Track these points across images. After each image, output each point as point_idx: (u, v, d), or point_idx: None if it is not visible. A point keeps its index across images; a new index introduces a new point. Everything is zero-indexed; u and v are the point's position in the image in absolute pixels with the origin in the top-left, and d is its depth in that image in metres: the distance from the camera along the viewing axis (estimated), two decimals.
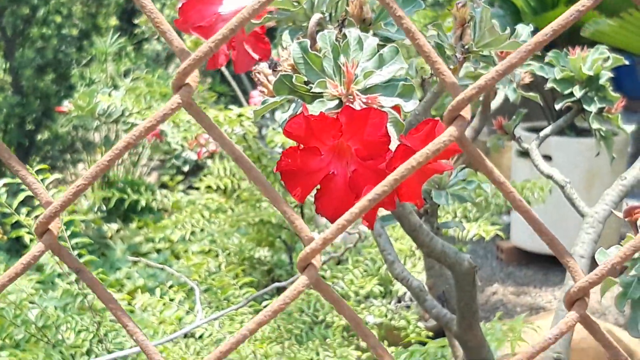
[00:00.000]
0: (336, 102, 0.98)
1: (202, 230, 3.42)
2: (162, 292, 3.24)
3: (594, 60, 1.69)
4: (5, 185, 2.57)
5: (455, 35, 1.28)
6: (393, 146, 0.94)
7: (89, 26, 6.02)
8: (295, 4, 1.11)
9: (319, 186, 0.97)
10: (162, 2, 5.48)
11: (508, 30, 1.28)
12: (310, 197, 0.97)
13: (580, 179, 4.45)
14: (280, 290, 3.20)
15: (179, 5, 1.13)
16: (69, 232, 2.59)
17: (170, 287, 3.37)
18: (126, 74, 6.22)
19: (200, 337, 2.91)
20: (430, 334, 3.19)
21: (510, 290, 4.68)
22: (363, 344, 3.14)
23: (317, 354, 2.85)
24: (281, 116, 1.11)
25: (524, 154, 1.88)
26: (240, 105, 5.55)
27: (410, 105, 0.97)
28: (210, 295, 3.05)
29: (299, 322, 2.92)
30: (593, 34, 4.17)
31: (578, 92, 1.67)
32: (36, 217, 2.58)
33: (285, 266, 3.54)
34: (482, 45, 1.27)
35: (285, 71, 1.04)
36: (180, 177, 5.82)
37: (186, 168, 3.42)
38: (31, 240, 2.81)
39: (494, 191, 3.34)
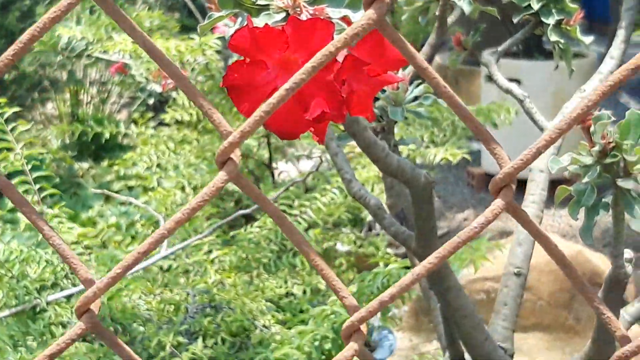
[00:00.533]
0: (283, 14, 0.95)
1: (167, 162, 3.39)
2: (133, 229, 3.23)
3: None
4: None
5: None
6: (340, 57, 0.92)
7: None
8: None
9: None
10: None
11: None
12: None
13: (549, 102, 4.43)
14: (246, 218, 3.19)
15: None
16: (29, 166, 2.56)
17: (141, 224, 3.36)
18: (92, 12, 6.13)
19: (169, 269, 2.90)
20: (399, 259, 3.19)
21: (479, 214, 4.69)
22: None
23: (286, 282, 2.84)
24: (227, 31, 1.08)
25: (492, 78, 1.86)
26: None
27: (358, 16, 0.94)
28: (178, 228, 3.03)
29: (266, 251, 2.91)
30: None
31: (536, 4, 1.64)
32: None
33: None
34: None
35: None
36: (150, 114, 5.77)
37: (151, 101, 3.36)
38: None
39: None
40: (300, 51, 0.90)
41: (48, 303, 2.41)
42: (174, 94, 3.60)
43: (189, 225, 3.02)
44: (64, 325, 2.35)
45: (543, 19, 1.67)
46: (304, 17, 0.95)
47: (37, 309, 2.44)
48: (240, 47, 0.89)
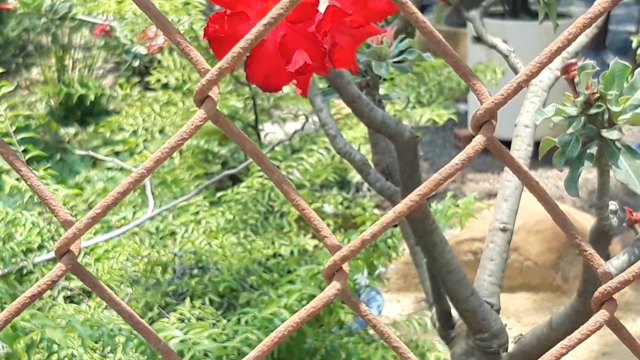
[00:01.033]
0: None
1: (154, 125, 3.38)
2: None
3: None
4: None
5: None
6: (322, 8, 0.91)
7: None
8: None
9: (248, 53, 0.93)
10: None
11: None
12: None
13: None
14: (233, 180, 3.18)
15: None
16: (13, 128, 2.55)
17: None
18: None
19: (156, 231, 2.89)
20: None
21: (469, 178, 4.70)
22: None
23: (273, 243, 2.85)
24: None
25: (479, 39, 1.84)
26: None
27: None
28: (164, 189, 3.03)
29: (253, 212, 2.91)
30: None
31: None
32: None
33: (240, 159, 3.51)
34: None
35: None
36: (136, 79, 5.75)
37: (137, 63, 3.34)
38: None
39: (446, 75, 3.31)
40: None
41: (35, 265, 2.41)
42: (159, 56, 3.58)
43: (175, 186, 3.02)
44: (50, 287, 2.34)
45: None
46: None
47: (24, 271, 2.43)
48: None
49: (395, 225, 2.22)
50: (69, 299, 2.47)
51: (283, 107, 3.66)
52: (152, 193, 2.74)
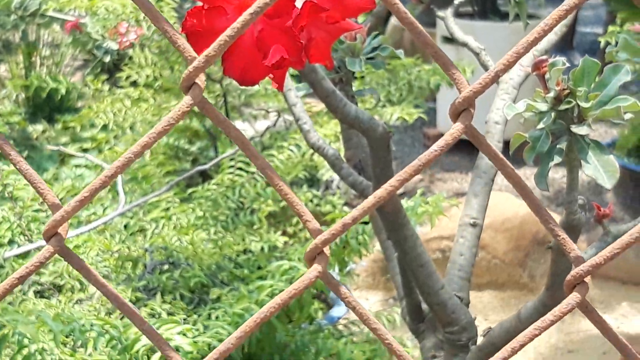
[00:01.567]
0: None
1: (124, 120, 3.38)
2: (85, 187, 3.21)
3: None
4: None
5: None
6: (299, 3, 0.92)
7: None
8: None
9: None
10: None
11: None
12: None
13: None
14: (203, 177, 3.19)
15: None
16: None
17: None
18: None
19: (126, 227, 2.90)
20: None
21: (437, 177, 4.73)
22: (290, 230, 3.16)
23: (244, 239, 2.86)
24: None
25: (449, 39, 1.87)
26: None
27: None
28: (135, 185, 3.03)
29: (224, 208, 2.92)
30: None
31: None
32: None
33: (210, 157, 3.52)
34: None
35: None
36: (105, 76, 5.73)
37: (107, 58, 3.34)
38: None
39: (417, 74, 3.34)
40: None
41: (5, 260, 2.41)
42: (130, 52, 3.58)
43: (146, 183, 3.02)
44: (38, 269, 2.34)
45: None
46: None
47: None
48: None
49: (367, 222, 2.24)
50: (39, 294, 2.47)
51: (254, 105, 3.67)
52: (123, 189, 2.75)
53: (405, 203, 2.42)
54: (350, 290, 3.24)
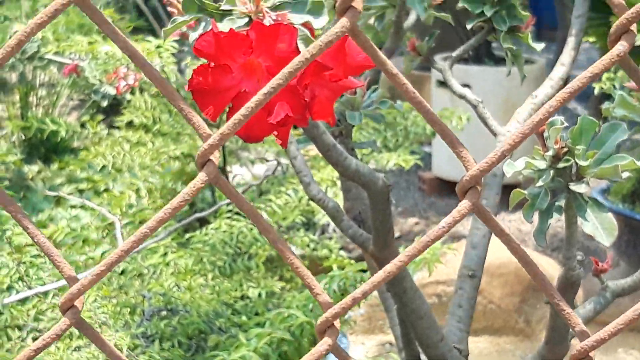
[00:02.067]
0: (246, 19, 0.97)
1: (122, 163, 3.39)
2: (85, 233, 3.22)
3: None
4: None
5: None
6: None
7: None
8: None
9: (230, 104, 0.97)
10: None
11: None
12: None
13: (498, 107, 4.49)
14: (201, 222, 3.20)
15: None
16: None
17: (96, 227, 3.35)
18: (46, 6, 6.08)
19: (123, 272, 2.90)
20: (353, 262, 3.23)
21: (433, 221, 4.74)
22: (287, 275, 3.16)
23: (241, 285, 2.86)
24: (191, 35, 1.10)
25: (444, 84, 1.89)
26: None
27: (319, 22, 0.97)
28: (133, 230, 3.04)
29: (222, 254, 2.93)
30: None
31: (489, 11, 1.69)
32: None
33: (207, 200, 3.53)
34: None
35: None
36: (101, 117, 5.75)
37: (105, 103, 3.36)
38: None
39: (413, 120, 3.36)
40: (264, 55, 0.93)
41: (3, 306, 2.41)
42: (128, 96, 3.60)
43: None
44: (19, 328, 2.35)
45: (496, 26, 1.71)
46: (267, 22, 0.97)
47: None
48: (205, 51, 0.92)
49: (365, 270, 2.25)
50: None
51: (251, 149, 3.69)
52: (121, 234, 2.76)
53: (402, 250, 2.43)
54: (346, 336, 3.24)
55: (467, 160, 0.61)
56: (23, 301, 2.47)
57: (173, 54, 3.13)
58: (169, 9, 1.13)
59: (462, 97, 1.78)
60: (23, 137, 5.30)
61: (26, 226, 0.62)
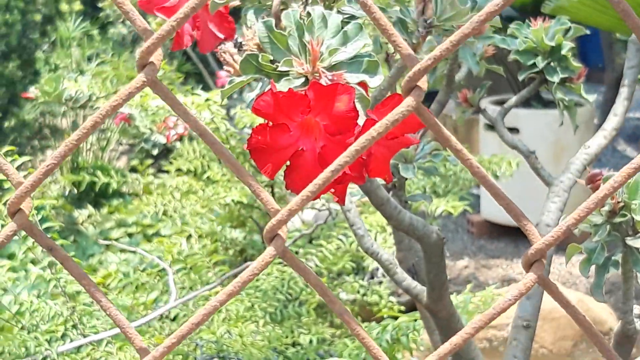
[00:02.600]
0: (302, 80, 0.99)
1: (174, 211, 3.43)
2: (135, 277, 3.25)
3: (556, 31, 1.71)
4: None
5: (417, 10, 1.29)
6: (361, 121, 0.95)
7: (52, 11, 5.99)
8: None
9: (288, 162, 0.98)
10: None
11: (469, 4, 1.30)
12: (280, 176, 0.98)
13: (547, 151, 4.49)
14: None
15: None
16: (39, 217, 2.60)
17: (143, 270, 3.38)
18: (91, 58, 6.20)
19: (175, 318, 2.92)
20: (403, 308, 3.22)
21: (482, 264, 4.72)
22: (337, 321, 3.17)
23: (292, 331, 2.87)
24: (249, 95, 1.12)
25: (492, 127, 1.90)
26: (207, 85, 5.55)
27: (375, 81, 0.98)
28: (183, 276, 3.07)
29: (273, 300, 2.94)
30: (554, 9, 4.20)
31: (541, 63, 1.70)
32: (5, 202, 2.58)
33: (257, 246, 3.55)
34: (444, 19, 1.28)
35: (251, 50, 1.05)
36: (149, 161, 5.81)
37: (155, 151, 3.42)
38: (2, 226, 2.81)
39: (462, 166, 3.36)
40: (322, 114, 0.94)
41: (58, 354, 2.43)
42: (177, 144, 3.65)
43: (194, 272, 3.06)
44: None
45: (548, 77, 1.72)
46: (323, 82, 0.99)
47: None
48: (264, 110, 0.93)
49: (416, 320, 2.25)
50: None
51: None
52: (173, 281, 2.78)
53: (454, 299, 2.42)
54: None
55: (532, 234, 0.61)
56: (77, 349, 2.49)
57: (221, 106, 3.17)
58: (225, 68, 1.15)
59: (514, 147, 1.78)
60: (73, 183, 5.37)
61: (99, 299, 0.64)
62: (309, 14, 0.99)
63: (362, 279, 3.51)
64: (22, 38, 5.60)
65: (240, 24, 1.21)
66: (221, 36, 1.23)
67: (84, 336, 2.53)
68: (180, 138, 3.41)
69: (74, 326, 2.57)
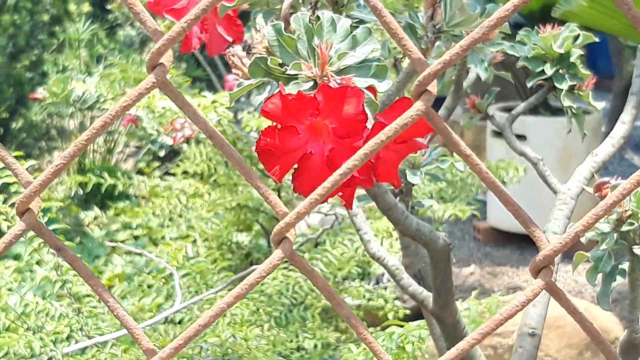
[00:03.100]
0: (311, 83, 0.99)
1: (180, 216, 3.44)
2: (140, 279, 3.25)
3: (565, 38, 1.71)
4: None
5: (426, 15, 1.29)
6: (370, 125, 0.95)
7: (60, 12, 5.99)
8: None
9: (296, 165, 0.98)
10: None
11: (478, 10, 1.30)
12: (288, 180, 0.98)
13: (555, 158, 4.48)
14: None
15: None
16: (45, 219, 2.60)
17: (149, 273, 3.39)
18: (99, 60, 6.21)
19: (180, 322, 2.92)
20: (408, 312, 3.22)
21: (488, 271, 4.71)
22: (342, 325, 3.16)
23: (297, 336, 2.87)
24: (257, 98, 1.12)
25: (499, 134, 1.90)
26: (215, 89, 5.56)
27: (384, 85, 0.98)
28: (189, 280, 3.07)
29: (278, 304, 2.94)
30: (563, 14, 4.20)
31: (549, 70, 1.69)
32: (12, 204, 2.58)
33: (263, 250, 3.55)
34: (453, 24, 1.28)
35: (259, 54, 1.05)
36: (156, 164, 5.82)
37: (162, 153, 3.41)
38: (8, 227, 2.81)
39: (469, 171, 3.36)
40: (330, 117, 0.94)
41: (63, 355, 2.44)
42: (184, 147, 3.66)
43: (200, 277, 3.06)
44: None
45: (556, 84, 1.72)
46: (332, 85, 0.99)
47: None
48: (273, 113, 0.93)
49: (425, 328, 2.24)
50: None
51: None
52: (179, 285, 2.78)
53: (460, 305, 2.42)
54: None
55: (540, 240, 0.61)
56: (82, 351, 2.49)
57: (228, 108, 3.17)
58: (234, 70, 1.15)
59: (522, 154, 1.78)
60: (79, 184, 5.37)
61: (107, 300, 0.64)
62: (318, 18, 0.99)
63: (368, 284, 3.51)
64: (30, 39, 5.61)
65: (249, 27, 1.21)
66: (229, 39, 1.23)
67: (90, 338, 2.53)
68: (187, 140, 3.41)
69: (80, 328, 2.57)
